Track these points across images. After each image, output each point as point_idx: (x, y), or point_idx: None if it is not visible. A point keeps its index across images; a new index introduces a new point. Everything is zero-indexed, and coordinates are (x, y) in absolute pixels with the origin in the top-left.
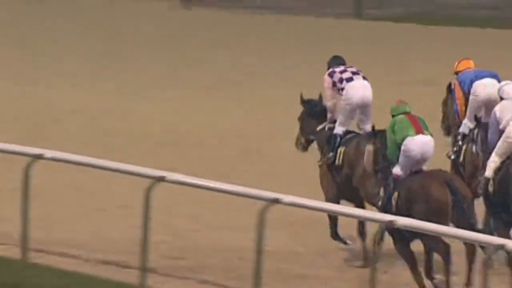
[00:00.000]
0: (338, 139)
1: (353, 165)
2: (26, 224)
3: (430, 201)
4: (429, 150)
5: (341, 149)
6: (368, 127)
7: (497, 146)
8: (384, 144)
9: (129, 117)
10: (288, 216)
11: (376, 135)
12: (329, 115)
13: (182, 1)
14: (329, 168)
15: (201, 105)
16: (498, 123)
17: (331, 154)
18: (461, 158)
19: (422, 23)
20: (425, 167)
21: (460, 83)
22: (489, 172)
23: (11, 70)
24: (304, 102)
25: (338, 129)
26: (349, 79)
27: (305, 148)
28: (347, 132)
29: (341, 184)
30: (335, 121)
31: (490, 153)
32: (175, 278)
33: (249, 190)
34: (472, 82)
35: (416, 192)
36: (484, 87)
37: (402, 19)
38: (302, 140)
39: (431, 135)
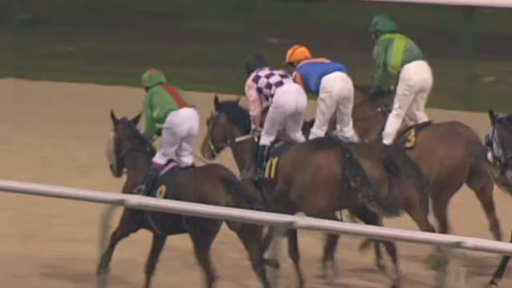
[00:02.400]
0: (266, 150)
1: (291, 178)
2: None
3: (203, 201)
4: (195, 125)
5: (272, 161)
6: (299, 135)
7: None
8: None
9: None
10: None
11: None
12: (253, 126)
13: None
14: (256, 184)
15: None
16: None
17: (258, 170)
18: None
19: None
20: (191, 155)
21: (302, 76)
22: None
23: None
24: (220, 105)
25: (265, 139)
26: (279, 84)
27: (213, 156)
28: (276, 141)
29: (271, 201)
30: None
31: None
32: None
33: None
34: (320, 76)
35: (186, 191)
36: (335, 82)
37: None
38: (212, 147)
39: (195, 107)
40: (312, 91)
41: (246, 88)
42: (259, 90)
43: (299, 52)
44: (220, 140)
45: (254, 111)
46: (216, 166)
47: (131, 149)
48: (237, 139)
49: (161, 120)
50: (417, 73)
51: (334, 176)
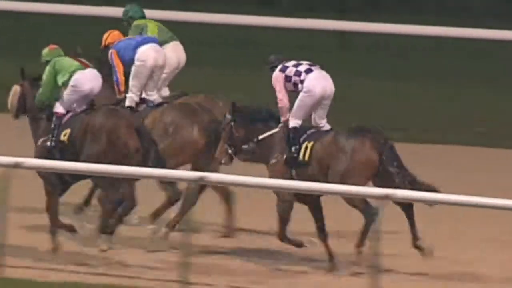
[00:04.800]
0: (297, 131)
1: (328, 162)
2: None
3: (116, 143)
4: (97, 85)
5: (307, 145)
6: (325, 122)
7: None
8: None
9: None
10: None
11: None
12: (282, 118)
13: None
14: (287, 166)
15: None
16: None
17: (293, 149)
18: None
19: None
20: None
21: (118, 52)
22: None
23: None
24: (237, 110)
25: (294, 122)
26: (308, 71)
27: (231, 159)
28: (308, 128)
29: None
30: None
31: None
32: None
33: None
34: (135, 48)
35: (98, 130)
36: (150, 52)
37: None
38: (230, 150)
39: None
40: (126, 63)
41: (273, 80)
42: (287, 78)
43: (113, 35)
44: (241, 142)
45: (282, 101)
46: (126, 112)
47: (35, 109)
48: (261, 137)
49: (66, 82)
50: (174, 52)
51: (371, 161)
